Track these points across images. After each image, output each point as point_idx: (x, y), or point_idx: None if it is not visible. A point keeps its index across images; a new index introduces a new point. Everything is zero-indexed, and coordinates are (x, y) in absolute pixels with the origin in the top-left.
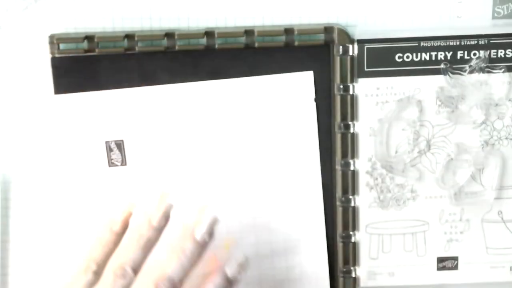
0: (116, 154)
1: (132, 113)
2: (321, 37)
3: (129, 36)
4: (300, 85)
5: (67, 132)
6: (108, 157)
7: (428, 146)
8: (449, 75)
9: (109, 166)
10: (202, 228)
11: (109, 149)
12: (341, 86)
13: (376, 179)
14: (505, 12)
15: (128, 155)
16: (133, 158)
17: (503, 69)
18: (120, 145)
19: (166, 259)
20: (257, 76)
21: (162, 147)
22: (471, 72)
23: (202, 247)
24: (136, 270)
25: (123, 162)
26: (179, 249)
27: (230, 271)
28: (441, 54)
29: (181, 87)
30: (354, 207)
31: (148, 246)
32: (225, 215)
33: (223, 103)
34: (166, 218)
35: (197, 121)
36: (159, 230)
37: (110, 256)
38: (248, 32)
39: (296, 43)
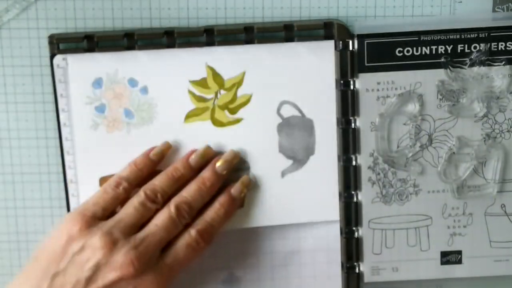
0: None
1: (155, 70)
2: (321, 32)
3: (128, 35)
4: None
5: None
6: None
7: (430, 140)
8: (449, 68)
9: None
10: (221, 161)
11: None
12: (342, 82)
13: (378, 174)
14: (505, 12)
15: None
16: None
17: (503, 62)
18: None
19: (189, 186)
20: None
21: (184, 106)
22: (471, 65)
23: (219, 178)
24: (164, 198)
25: None
26: (200, 178)
27: (234, 190)
28: (441, 48)
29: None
30: (356, 203)
31: (180, 181)
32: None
33: (244, 62)
34: (202, 160)
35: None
36: (194, 170)
37: (141, 180)
38: (248, 29)
39: (296, 39)
